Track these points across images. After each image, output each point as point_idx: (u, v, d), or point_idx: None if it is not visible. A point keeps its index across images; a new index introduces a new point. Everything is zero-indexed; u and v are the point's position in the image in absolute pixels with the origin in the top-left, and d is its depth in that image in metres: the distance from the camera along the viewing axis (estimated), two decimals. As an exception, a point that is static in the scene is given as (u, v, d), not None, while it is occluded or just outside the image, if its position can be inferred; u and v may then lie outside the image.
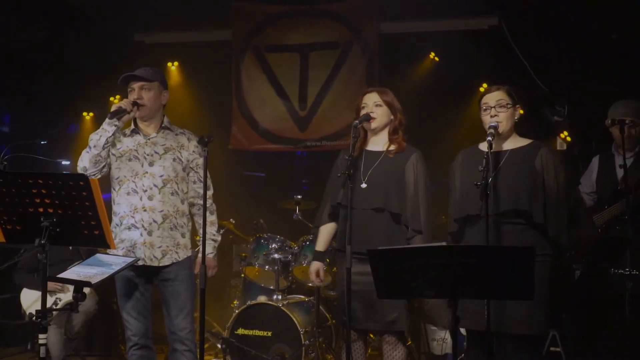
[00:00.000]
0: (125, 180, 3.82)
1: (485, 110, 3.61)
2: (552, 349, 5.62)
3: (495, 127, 3.49)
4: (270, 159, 7.54)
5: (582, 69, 6.12)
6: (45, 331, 2.99)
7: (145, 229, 3.78)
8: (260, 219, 6.23)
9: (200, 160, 3.91)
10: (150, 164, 3.82)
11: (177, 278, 3.80)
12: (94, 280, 3.06)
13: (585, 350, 4.49)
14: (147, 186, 3.80)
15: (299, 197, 5.70)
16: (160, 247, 3.78)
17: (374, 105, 3.84)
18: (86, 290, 3.09)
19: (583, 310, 4.47)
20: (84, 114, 7.87)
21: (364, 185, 3.75)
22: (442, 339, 5.67)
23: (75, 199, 2.97)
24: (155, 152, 3.85)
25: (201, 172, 3.89)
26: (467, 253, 2.78)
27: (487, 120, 3.58)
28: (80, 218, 3.01)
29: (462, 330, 4.78)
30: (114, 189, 3.88)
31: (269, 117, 7.37)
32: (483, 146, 3.68)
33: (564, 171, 3.52)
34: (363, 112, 3.84)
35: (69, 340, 5.50)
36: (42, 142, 5.34)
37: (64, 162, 5.78)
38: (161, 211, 3.78)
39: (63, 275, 3.19)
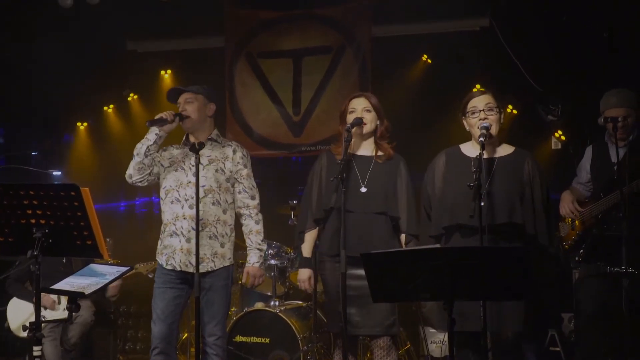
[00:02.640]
0: (171, 190, 4.00)
1: (473, 113, 3.59)
2: (551, 348, 5.62)
3: (488, 128, 3.49)
4: (265, 164, 7.53)
5: (574, 68, 6.13)
6: (39, 343, 2.98)
7: (184, 236, 3.92)
8: (256, 225, 6.18)
9: (245, 171, 4.08)
10: (194, 175, 3.90)
11: (212, 288, 3.91)
12: (87, 291, 3.04)
13: (588, 350, 4.47)
14: (189, 195, 3.93)
15: (294, 202, 5.68)
16: (195, 256, 3.81)
17: (363, 110, 3.84)
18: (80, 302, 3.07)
19: (584, 311, 4.45)
20: (78, 124, 7.86)
21: (363, 190, 3.76)
22: (440, 342, 5.66)
23: (67, 209, 2.96)
24: (200, 163, 3.91)
25: (246, 183, 4.08)
26: (462, 255, 2.77)
27: (475, 123, 3.57)
28: (72, 228, 3.00)
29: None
30: (161, 199, 4.06)
31: (263, 123, 7.37)
32: (466, 149, 3.68)
33: (546, 180, 3.60)
34: (351, 116, 3.83)
35: (67, 351, 5.48)
36: (34, 153, 5.34)
37: (55, 173, 5.77)
38: (200, 219, 3.84)
39: (56, 286, 3.17)
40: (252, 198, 4.08)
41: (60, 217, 2.98)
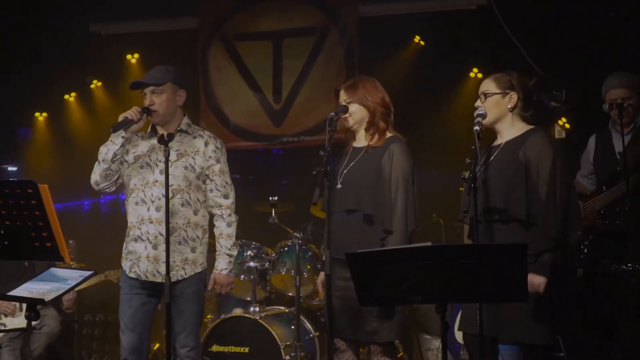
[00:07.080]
0: (135, 190, 3.92)
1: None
2: (555, 354, 5.69)
3: (482, 115, 3.49)
4: (243, 157, 7.53)
5: (579, 51, 6.17)
6: (-4, 354, 2.99)
7: (151, 242, 3.87)
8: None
9: (217, 167, 3.99)
10: (161, 172, 3.84)
11: (183, 296, 3.88)
12: (47, 297, 3.05)
13: (593, 355, 4.55)
14: (155, 196, 3.88)
15: (275, 198, 5.69)
16: (165, 262, 3.81)
17: (345, 104, 3.87)
18: (46, 311, 3.08)
19: (588, 313, 4.52)
20: (37, 114, 7.83)
21: (339, 186, 3.80)
22: (437, 349, 5.72)
23: (23, 208, 2.96)
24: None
25: (218, 180, 4.00)
26: (453, 253, 2.81)
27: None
28: (30, 229, 3.00)
29: (459, 338, 4.84)
30: (126, 198, 4.00)
31: (240, 111, 7.38)
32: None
33: (550, 158, 3.38)
34: None
35: (29, 364, 5.49)
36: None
37: (10, 169, 5.76)
38: (169, 223, 3.81)
39: (14, 292, 3.18)
40: (226, 197, 4.02)
41: (17, 216, 2.98)
